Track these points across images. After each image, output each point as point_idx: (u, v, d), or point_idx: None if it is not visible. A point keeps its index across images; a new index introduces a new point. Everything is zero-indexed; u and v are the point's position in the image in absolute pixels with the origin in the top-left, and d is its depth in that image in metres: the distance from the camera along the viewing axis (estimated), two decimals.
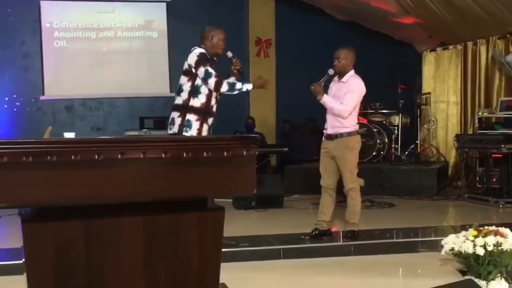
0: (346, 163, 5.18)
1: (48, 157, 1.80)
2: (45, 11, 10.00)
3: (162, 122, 9.56)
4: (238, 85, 4.84)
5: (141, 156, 1.88)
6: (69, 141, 1.93)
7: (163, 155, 1.91)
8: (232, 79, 4.99)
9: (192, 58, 4.79)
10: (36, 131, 9.26)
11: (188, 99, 4.80)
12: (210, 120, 4.90)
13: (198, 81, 4.80)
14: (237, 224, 6.11)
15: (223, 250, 4.70)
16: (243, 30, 10.74)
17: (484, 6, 7.87)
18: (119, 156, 1.87)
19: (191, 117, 4.79)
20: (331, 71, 5.23)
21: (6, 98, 9.85)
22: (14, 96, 9.94)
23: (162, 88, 10.38)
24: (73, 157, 1.82)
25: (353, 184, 5.21)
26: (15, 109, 9.94)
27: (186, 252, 2.04)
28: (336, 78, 5.32)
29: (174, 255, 2.03)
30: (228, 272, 4.52)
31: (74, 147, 1.84)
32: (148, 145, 1.90)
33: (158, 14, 10.49)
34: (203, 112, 4.82)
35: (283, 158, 9.60)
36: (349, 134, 5.19)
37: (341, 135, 5.17)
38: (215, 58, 4.95)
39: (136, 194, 1.92)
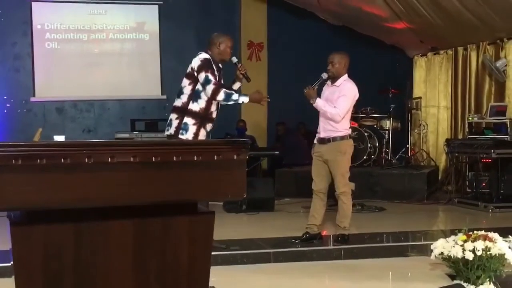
0: (339, 167, 5.19)
1: (38, 160, 1.79)
2: (36, 12, 9.96)
3: (153, 125, 9.56)
4: (235, 96, 4.78)
5: (131, 160, 1.88)
6: (59, 144, 1.93)
7: (153, 159, 1.91)
8: (237, 85, 5.01)
9: (195, 62, 4.78)
10: (26, 133, 9.21)
11: (188, 102, 4.78)
12: (209, 126, 4.87)
13: (199, 86, 4.78)
14: (228, 228, 6.10)
15: (213, 253, 4.72)
16: (235, 33, 10.72)
17: (474, 12, 7.93)
18: (109, 159, 1.87)
19: (189, 120, 4.78)
20: (324, 75, 5.24)
21: None
22: (5, 97, 9.90)
23: (153, 90, 10.37)
24: (63, 160, 1.82)
25: (345, 188, 5.23)
26: (5, 111, 9.89)
27: (176, 255, 2.04)
28: (329, 82, 5.33)
29: (164, 258, 2.03)
30: (218, 276, 4.53)
31: (64, 150, 1.83)
32: (138, 149, 1.90)
33: (150, 16, 10.48)
34: (201, 117, 4.79)
35: (274, 162, 9.61)
36: (342, 138, 5.20)
37: (333, 139, 5.19)
38: (220, 65, 4.93)
39: (126, 198, 1.92)
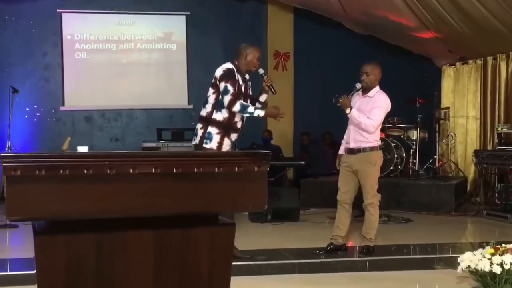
0: (368, 178, 5.15)
1: (61, 171, 1.82)
2: (66, 23, 10.15)
3: (180, 134, 9.62)
4: (250, 109, 4.75)
5: (153, 171, 1.90)
6: (81, 155, 1.95)
7: (174, 170, 1.92)
8: (263, 97, 5.01)
9: (218, 72, 4.80)
10: (55, 141, 9.38)
11: (212, 112, 4.81)
12: (234, 136, 4.87)
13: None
14: (253, 237, 6.11)
15: (237, 263, 4.73)
16: (261, 43, 10.75)
17: (503, 21, 7.82)
18: (131, 170, 1.88)
19: (213, 130, 4.79)
20: (358, 85, 5.21)
21: (27, 109, 9.99)
22: (35, 106, 10.08)
23: (180, 100, 10.45)
24: (85, 171, 1.85)
25: (373, 199, 5.18)
26: (35, 119, 10.07)
27: (196, 266, 2.04)
28: (360, 92, 5.29)
29: (184, 270, 2.03)
30: (242, 286, 4.53)
31: (86, 161, 1.86)
32: (159, 160, 1.92)
33: (178, 27, 10.58)
34: (225, 127, 4.80)
35: (299, 171, 9.58)
36: (372, 149, 5.17)
37: (363, 149, 5.14)
38: (247, 76, 4.93)
39: (146, 209, 1.93)
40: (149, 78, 10.50)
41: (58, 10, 10.05)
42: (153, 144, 9.30)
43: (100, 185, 1.87)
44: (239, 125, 4.87)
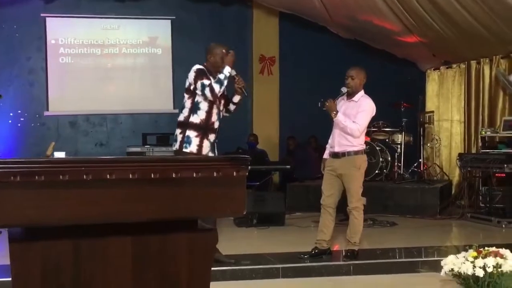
0: (353, 182, 5.17)
1: (36, 177, 1.79)
2: (50, 28, 10.09)
3: (165, 139, 9.60)
4: (221, 75, 4.78)
5: (130, 177, 1.88)
6: (57, 161, 1.93)
7: (152, 176, 1.90)
8: (237, 98, 5.03)
9: (190, 76, 4.87)
10: (39, 147, 9.30)
11: (189, 116, 4.86)
12: (212, 137, 4.90)
13: (198, 98, 4.84)
14: (238, 242, 6.10)
15: (222, 268, 4.71)
16: (247, 47, 10.78)
17: (487, 26, 7.88)
18: (108, 176, 1.86)
19: (191, 133, 4.83)
20: (344, 89, 5.23)
21: (11, 114, 9.91)
22: (19, 111, 10.01)
23: (165, 104, 10.42)
24: (61, 177, 1.82)
25: (358, 203, 5.19)
26: (19, 124, 9.99)
27: (175, 272, 2.02)
28: (345, 96, 5.30)
29: (163, 276, 2.01)
30: None
31: (62, 167, 1.83)
32: (137, 165, 1.90)
33: (163, 31, 10.56)
34: (203, 128, 4.85)
35: (285, 176, 9.58)
36: (356, 152, 5.19)
37: (348, 153, 5.16)
38: (221, 76, 4.87)
39: (124, 215, 1.91)
40: (134, 82, 10.47)
41: (42, 15, 9.99)
42: (138, 149, 9.28)
43: (77, 191, 1.85)
44: (216, 125, 4.92)
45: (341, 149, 5.18)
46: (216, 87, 4.75)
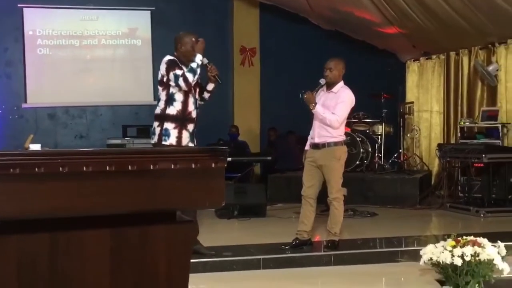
0: (333, 173, 5.18)
1: (11, 170, 1.76)
2: (28, 19, 9.94)
3: (145, 131, 9.53)
4: (193, 64, 4.70)
5: (107, 169, 1.86)
6: (32, 153, 1.90)
7: (129, 168, 1.88)
8: (210, 86, 4.99)
9: (162, 67, 4.79)
10: (18, 139, 9.17)
11: (165, 108, 4.79)
12: (191, 127, 4.85)
13: (172, 89, 4.77)
14: (219, 233, 6.10)
15: (203, 260, 4.70)
16: (227, 38, 10.75)
17: (466, 17, 7.94)
18: (84, 168, 1.84)
19: (168, 125, 4.77)
20: (323, 81, 5.23)
21: None
22: None
23: (145, 96, 10.34)
24: (36, 169, 1.79)
25: (338, 194, 5.21)
26: None
27: (154, 265, 2.01)
28: (324, 87, 5.31)
29: (141, 268, 2.00)
30: (207, 283, 4.53)
31: (37, 160, 1.80)
32: (114, 157, 1.87)
33: (143, 22, 10.47)
34: (180, 119, 4.78)
35: (267, 167, 9.59)
36: (336, 143, 5.20)
37: (328, 144, 5.17)
38: (193, 65, 4.78)
39: (101, 207, 1.89)
40: (114, 74, 10.38)
41: (19, 5, 9.85)
42: (118, 141, 9.22)
43: (53, 184, 1.82)
44: (194, 114, 4.85)
45: (321, 140, 5.20)
46: (190, 76, 4.68)
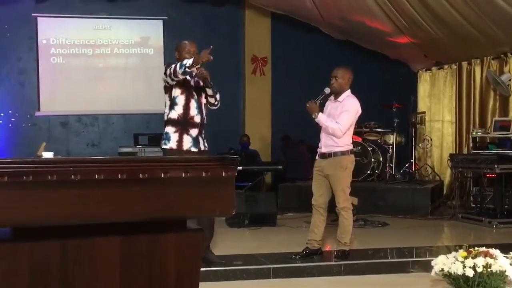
0: (339, 182, 5.16)
1: (24, 177, 1.79)
2: (42, 28, 10.04)
3: (157, 139, 9.50)
4: (185, 61, 4.52)
5: (118, 177, 1.87)
6: (45, 161, 1.93)
7: (141, 176, 1.89)
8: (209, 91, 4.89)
9: (163, 74, 4.80)
10: (31, 147, 9.25)
11: (168, 113, 4.80)
12: (194, 131, 4.75)
13: (174, 93, 4.74)
14: (230, 242, 6.09)
15: (213, 269, 4.71)
16: (239, 48, 10.79)
17: (478, 27, 7.91)
18: (96, 176, 1.86)
19: (169, 129, 4.76)
20: (327, 90, 5.22)
21: (2, 114, 9.86)
22: (10, 111, 9.95)
23: (157, 105, 10.26)
24: (49, 177, 1.81)
25: (345, 203, 5.19)
26: (10, 125, 9.94)
27: (164, 272, 2.02)
28: (332, 97, 5.31)
29: (151, 276, 2.01)
30: None
31: (50, 167, 1.83)
32: (125, 166, 1.89)
33: (155, 31, 10.53)
34: (181, 123, 4.72)
35: (278, 176, 9.58)
36: (343, 153, 5.17)
37: (334, 154, 5.15)
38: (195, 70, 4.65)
39: (112, 215, 1.90)
40: (126, 82, 10.43)
41: (33, 15, 9.94)
42: (129, 149, 9.26)
43: (65, 191, 1.84)
44: (197, 119, 4.75)
45: (327, 150, 5.18)
46: (179, 68, 4.51)
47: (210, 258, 4.80)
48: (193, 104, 4.75)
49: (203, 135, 4.86)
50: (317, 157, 5.36)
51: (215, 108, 4.98)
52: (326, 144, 5.20)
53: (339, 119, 5.12)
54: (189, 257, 2.03)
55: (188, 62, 4.51)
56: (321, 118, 5.13)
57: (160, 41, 10.54)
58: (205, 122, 4.86)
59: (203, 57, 4.46)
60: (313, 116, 5.14)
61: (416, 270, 5.13)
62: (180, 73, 4.55)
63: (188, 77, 4.75)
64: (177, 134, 4.72)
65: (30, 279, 1.86)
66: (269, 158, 10.61)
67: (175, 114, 4.73)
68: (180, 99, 4.74)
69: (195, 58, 4.50)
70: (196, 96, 4.79)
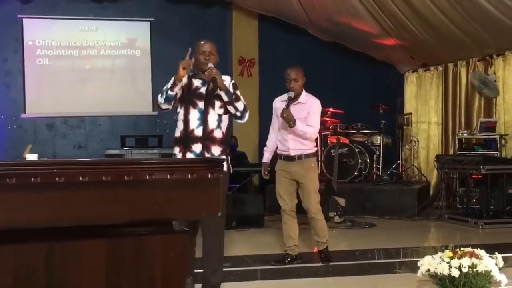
0: (312, 183, 5.11)
1: (7, 179, 1.77)
2: (27, 29, 9.96)
3: (144, 141, 9.55)
4: (166, 86, 4.14)
5: (103, 179, 1.86)
6: (29, 163, 1.91)
7: (126, 178, 1.89)
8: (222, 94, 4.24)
9: None
10: (17, 149, 9.18)
11: (175, 132, 4.31)
12: (197, 147, 4.07)
13: (178, 107, 4.26)
14: None
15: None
16: (226, 49, 10.77)
17: (464, 29, 7.97)
18: (81, 178, 1.85)
19: (175, 149, 4.23)
20: (291, 94, 5.04)
21: None
22: None
23: (144, 106, 10.35)
24: (33, 179, 1.80)
25: (318, 204, 5.14)
26: None
27: (150, 275, 2.01)
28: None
29: (137, 279, 2.00)
30: None
31: (34, 169, 1.81)
32: (110, 167, 1.88)
33: (142, 33, 10.49)
34: (182, 141, 4.16)
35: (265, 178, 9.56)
36: (313, 154, 5.17)
37: (306, 155, 5.07)
38: (207, 77, 4.20)
39: (98, 217, 1.89)
40: (113, 84, 10.38)
41: (19, 16, 9.86)
42: (117, 151, 9.20)
43: (49, 194, 1.83)
44: (198, 132, 4.11)
45: (297, 153, 5.06)
46: (161, 99, 4.14)
47: None
48: (193, 115, 4.16)
49: (215, 151, 4.10)
50: (280, 159, 5.18)
51: (240, 121, 4.32)
52: (295, 147, 5.06)
53: (311, 122, 5.05)
54: (176, 259, 2.02)
55: (168, 84, 4.12)
56: (298, 125, 4.94)
57: (147, 42, 10.50)
58: (215, 134, 4.15)
59: (184, 64, 4.05)
60: (290, 125, 4.92)
61: (403, 270, 5.15)
62: (163, 104, 4.16)
63: (199, 85, 4.24)
64: (181, 154, 4.14)
65: (14, 282, 1.85)
66: (256, 160, 10.59)
67: (177, 131, 4.22)
68: (180, 113, 4.22)
69: (177, 74, 4.06)
70: (200, 105, 4.18)
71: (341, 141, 8.69)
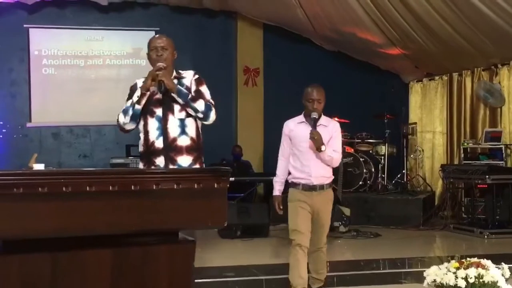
0: (329, 216, 4.62)
1: (15, 189, 1.78)
2: (33, 39, 10.02)
3: None
4: (127, 104, 3.78)
5: (110, 189, 1.87)
6: (36, 173, 1.92)
7: (132, 188, 1.89)
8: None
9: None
10: (22, 158, 9.19)
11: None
12: (160, 160, 3.73)
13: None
14: (222, 253, 6.09)
15: (207, 280, 4.68)
16: (231, 59, 10.81)
17: (468, 39, 7.98)
18: (88, 188, 1.85)
19: (140, 165, 3.93)
20: (315, 115, 4.47)
21: None
22: (1, 123, 9.91)
23: None
24: (40, 189, 1.80)
25: (326, 239, 4.65)
26: (1, 136, 9.89)
27: (155, 285, 2.01)
28: (307, 120, 4.56)
29: None
30: None
31: (41, 179, 1.82)
32: (117, 177, 1.89)
33: (147, 43, 10.50)
34: (146, 155, 3.79)
35: (270, 187, 9.55)
36: (330, 185, 4.63)
37: (326, 186, 4.53)
38: (175, 80, 3.83)
39: (104, 227, 1.89)
40: (118, 94, 10.34)
41: (25, 25, 9.92)
42: (121, 160, 9.23)
43: (56, 203, 1.83)
44: (158, 144, 3.71)
45: (319, 182, 4.46)
46: (121, 118, 3.79)
47: None
48: (152, 125, 3.75)
49: (183, 162, 3.75)
50: (295, 188, 4.55)
51: (206, 122, 3.85)
52: (318, 175, 4.45)
53: (336, 147, 4.51)
54: (181, 269, 2.02)
55: (130, 100, 3.75)
56: (327, 150, 4.39)
57: None
58: (179, 143, 3.75)
59: (153, 75, 3.66)
60: (321, 149, 4.34)
61: (409, 281, 5.13)
62: (128, 124, 3.78)
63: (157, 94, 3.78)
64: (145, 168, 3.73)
65: None
66: (261, 169, 10.60)
67: (140, 146, 3.84)
68: (140, 125, 3.81)
69: (145, 83, 3.68)
70: (157, 113, 3.75)
71: (346, 150, 8.69)
